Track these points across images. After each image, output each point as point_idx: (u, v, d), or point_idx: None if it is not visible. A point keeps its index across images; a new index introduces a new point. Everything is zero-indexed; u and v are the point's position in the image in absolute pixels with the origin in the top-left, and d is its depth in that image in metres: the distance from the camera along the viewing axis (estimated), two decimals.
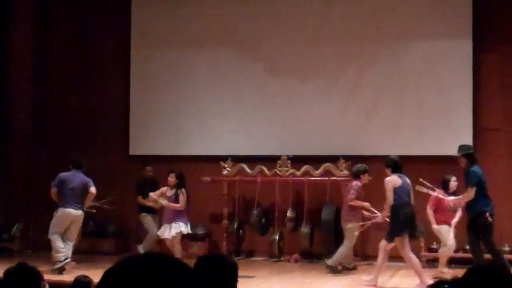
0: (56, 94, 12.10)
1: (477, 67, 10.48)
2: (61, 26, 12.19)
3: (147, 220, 10.33)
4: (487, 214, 8.09)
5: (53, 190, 9.12)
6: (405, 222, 7.98)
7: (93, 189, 9.20)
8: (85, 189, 9.21)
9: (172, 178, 9.45)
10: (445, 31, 10.59)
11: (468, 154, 8.36)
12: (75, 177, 9.20)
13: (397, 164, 8.28)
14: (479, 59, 10.48)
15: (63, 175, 9.21)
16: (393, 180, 8.10)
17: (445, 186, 9.07)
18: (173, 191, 9.42)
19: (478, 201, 8.18)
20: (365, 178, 9.31)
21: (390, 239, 8.14)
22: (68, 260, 8.79)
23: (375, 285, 8.20)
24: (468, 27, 10.49)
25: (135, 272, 1.38)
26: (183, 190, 9.42)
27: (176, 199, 9.37)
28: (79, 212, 9.12)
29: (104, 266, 1.42)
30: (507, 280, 1.94)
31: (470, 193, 8.11)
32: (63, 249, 8.86)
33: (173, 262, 1.41)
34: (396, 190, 8.05)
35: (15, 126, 11.83)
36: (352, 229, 9.10)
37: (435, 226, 8.90)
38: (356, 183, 9.24)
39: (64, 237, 9.04)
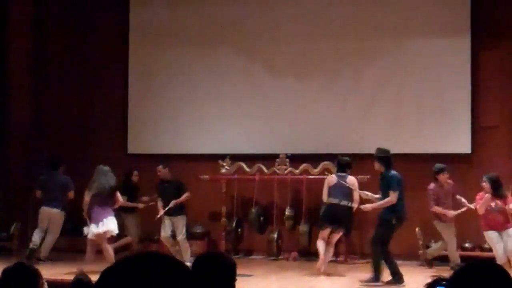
0: (54, 93, 12.08)
1: (475, 65, 10.48)
2: (59, 23, 12.18)
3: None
4: (394, 219, 8.19)
5: (38, 193, 10.09)
6: (325, 218, 8.92)
7: (71, 194, 10.02)
8: (65, 188, 10.03)
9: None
10: (444, 29, 10.59)
11: (384, 158, 8.31)
12: (52, 178, 10.09)
13: (339, 165, 9.06)
14: (477, 56, 10.48)
15: (41, 177, 10.14)
16: (328, 179, 9.04)
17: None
18: None
19: (398, 204, 8.21)
20: (444, 178, 9.25)
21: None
22: (34, 247, 9.82)
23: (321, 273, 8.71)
24: (467, 24, 10.48)
25: (133, 272, 1.38)
26: None
27: None
28: (54, 210, 9.98)
29: (104, 264, 1.43)
30: (502, 276, 1.94)
31: (393, 198, 8.13)
32: (34, 239, 9.89)
33: (172, 262, 1.41)
34: (330, 189, 8.87)
35: (14, 125, 11.81)
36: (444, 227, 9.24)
37: (485, 232, 8.59)
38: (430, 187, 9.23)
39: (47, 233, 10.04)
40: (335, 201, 8.83)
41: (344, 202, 8.80)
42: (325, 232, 8.92)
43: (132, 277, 1.37)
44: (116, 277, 1.39)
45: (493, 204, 8.48)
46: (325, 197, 8.91)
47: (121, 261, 1.42)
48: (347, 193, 8.82)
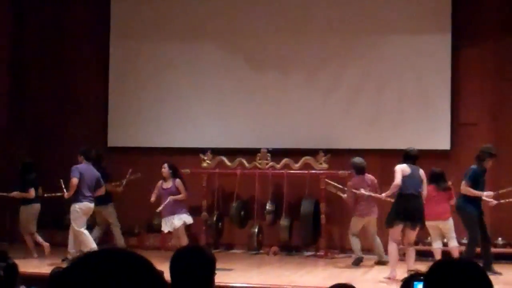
0: (33, 86, 11.98)
1: (456, 62, 10.56)
2: (38, 16, 12.05)
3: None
4: None
5: (75, 181, 8.99)
6: (400, 212, 8.14)
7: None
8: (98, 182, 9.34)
9: (165, 169, 9.63)
10: (425, 26, 10.66)
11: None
12: (89, 169, 9.25)
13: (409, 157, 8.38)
14: (458, 54, 10.56)
15: (80, 167, 9.18)
16: (402, 168, 8.29)
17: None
18: (170, 182, 9.59)
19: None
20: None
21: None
22: None
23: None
24: (448, 22, 10.56)
25: (91, 270, 1.30)
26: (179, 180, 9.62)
27: (176, 190, 9.56)
28: (92, 205, 9.21)
29: None
30: (476, 272, 1.98)
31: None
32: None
33: (133, 259, 1.33)
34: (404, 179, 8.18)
35: None
36: None
37: None
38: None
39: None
40: (411, 191, 8.06)
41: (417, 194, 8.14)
42: (398, 230, 8.10)
43: (89, 275, 1.29)
44: (72, 276, 1.30)
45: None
46: (399, 183, 8.05)
47: (78, 259, 1.32)
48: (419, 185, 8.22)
